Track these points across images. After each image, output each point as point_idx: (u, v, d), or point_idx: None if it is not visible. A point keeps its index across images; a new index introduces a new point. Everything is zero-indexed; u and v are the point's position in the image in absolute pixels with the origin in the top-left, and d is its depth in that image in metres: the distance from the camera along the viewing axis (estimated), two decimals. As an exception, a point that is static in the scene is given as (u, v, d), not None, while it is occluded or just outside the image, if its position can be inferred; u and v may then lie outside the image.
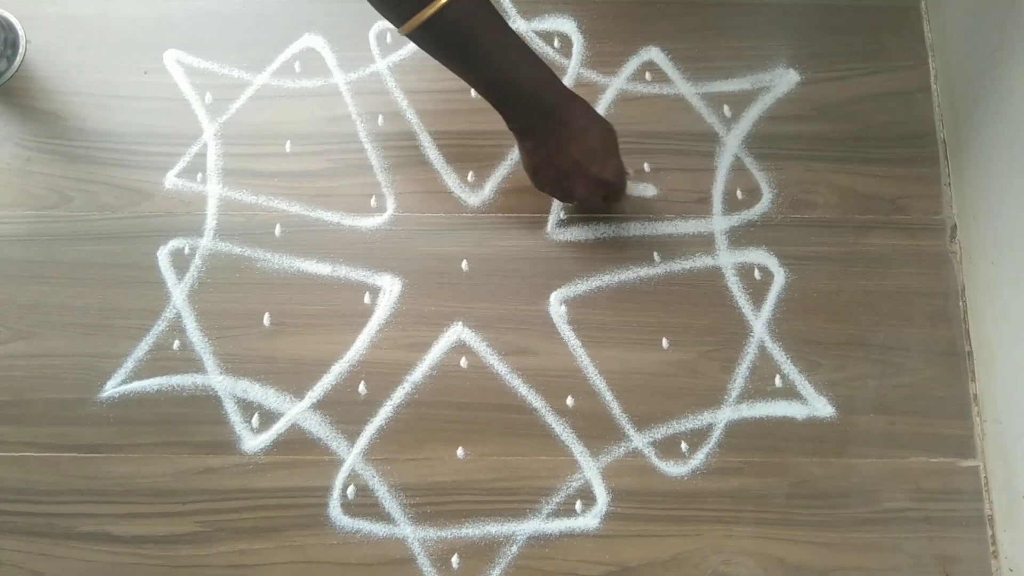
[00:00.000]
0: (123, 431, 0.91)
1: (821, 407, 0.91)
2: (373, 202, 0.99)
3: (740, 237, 0.97)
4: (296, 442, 0.90)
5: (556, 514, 0.88)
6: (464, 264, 0.97)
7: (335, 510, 0.88)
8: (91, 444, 0.90)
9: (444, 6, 0.71)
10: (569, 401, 0.91)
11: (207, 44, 1.06)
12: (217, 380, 0.92)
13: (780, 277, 0.96)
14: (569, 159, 0.81)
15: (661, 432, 0.90)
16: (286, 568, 0.86)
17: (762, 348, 0.93)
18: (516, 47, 0.77)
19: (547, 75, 0.79)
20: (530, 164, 0.85)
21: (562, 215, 0.98)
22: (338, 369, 0.92)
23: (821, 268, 0.96)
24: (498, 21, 0.76)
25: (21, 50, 1.06)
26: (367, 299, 0.95)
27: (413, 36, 0.76)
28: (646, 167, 1.00)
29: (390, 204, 0.99)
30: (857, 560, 0.86)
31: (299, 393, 0.92)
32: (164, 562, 0.86)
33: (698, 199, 0.99)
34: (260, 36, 1.06)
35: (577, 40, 1.06)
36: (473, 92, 1.02)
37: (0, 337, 0.94)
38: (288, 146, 1.01)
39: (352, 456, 0.89)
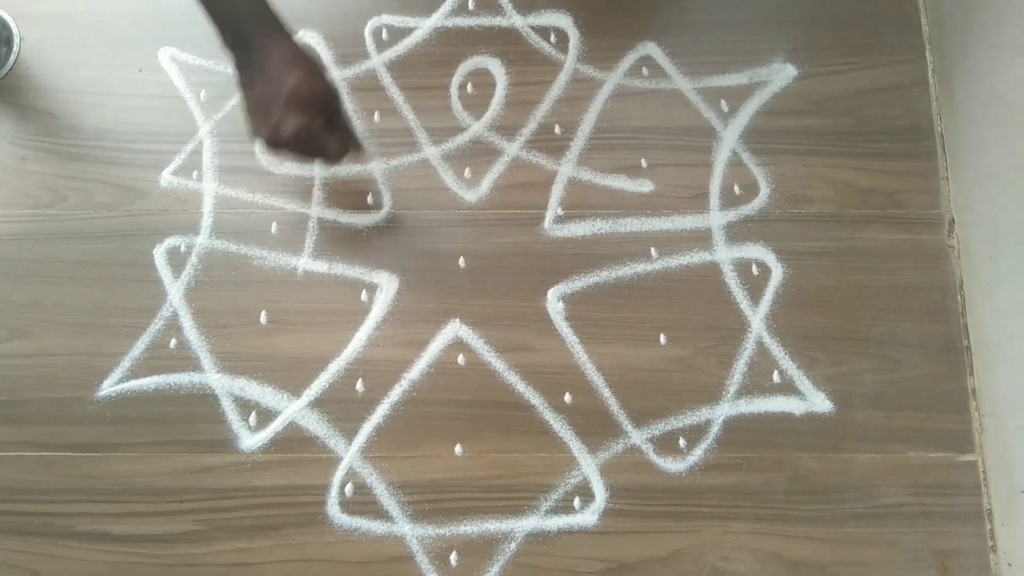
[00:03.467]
0: (120, 430, 0.90)
1: (819, 402, 0.91)
2: (370, 199, 0.99)
3: (737, 232, 0.97)
4: (294, 440, 0.90)
5: (554, 511, 0.87)
6: (461, 261, 0.96)
7: (333, 508, 0.88)
8: (88, 443, 0.90)
9: None
10: (567, 398, 0.91)
11: (202, 41, 1.05)
12: (214, 378, 0.92)
13: (778, 272, 0.96)
14: (252, 103, 0.75)
15: (659, 428, 0.90)
16: (284, 566, 0.86)
17: (760, 344, 0.93)
18: None
19: (252, 7, 0.73)
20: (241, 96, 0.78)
21: (559, 211, 0.98)
22: (335, 367, 0.92)
23: (819, 263, 0.96)
24: None
25: (15, 48, 1.05)
26: (364, 296, 0.95)
27: None
28: (643, 162, 1.00)
29: (387, 201, 0.99)
30: (855, 555, 0.86)
31: (296, 391, 0.92)
32: (162, 561, 0.86)
33: (695, 194, 0.99)
34: (255, 33, 1.05)
35: (573, 35, 1.05)
36: (470, 87, 1.02)
37: (-4, 336, 0.94)
38: (284, 143, 1.01)
39: (350, 454, 0.89)
